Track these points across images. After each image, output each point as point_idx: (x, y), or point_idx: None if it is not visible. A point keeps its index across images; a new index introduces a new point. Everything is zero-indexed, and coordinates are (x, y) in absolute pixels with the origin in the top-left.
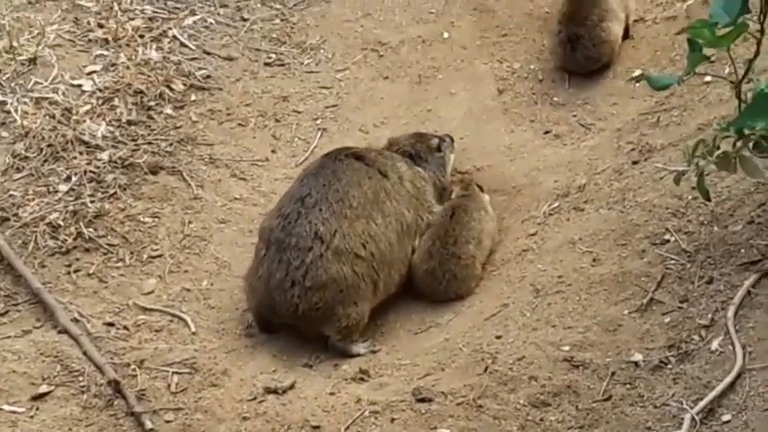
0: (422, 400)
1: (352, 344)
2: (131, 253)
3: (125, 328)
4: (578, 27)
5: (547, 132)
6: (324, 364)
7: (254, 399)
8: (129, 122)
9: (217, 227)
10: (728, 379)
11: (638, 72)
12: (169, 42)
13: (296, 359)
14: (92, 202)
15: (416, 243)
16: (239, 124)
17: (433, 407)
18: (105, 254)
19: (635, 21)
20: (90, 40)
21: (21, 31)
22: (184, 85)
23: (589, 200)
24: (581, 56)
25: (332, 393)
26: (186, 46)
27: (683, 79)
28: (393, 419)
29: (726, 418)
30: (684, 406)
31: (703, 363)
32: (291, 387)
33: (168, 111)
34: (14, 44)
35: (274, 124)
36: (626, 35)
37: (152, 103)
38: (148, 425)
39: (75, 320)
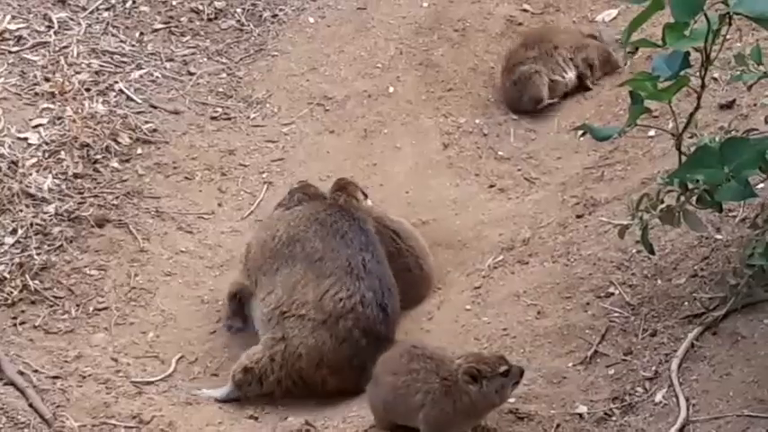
0: None
1: None
2: (77, 305)
3: (71, 380)
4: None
5: (492, 186)
6: (269, 415)
7: None
8: (76, 175)
9: (163, 279)
10: (672, 431)
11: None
12: (115, 96)
13: (241, 411)
14: (38, 254)
15: None
16: (185, 177)
17: None
18: (51, 306)
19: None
20: (36, 94)
21: None
22: (131, 138)
23: (534, 253)
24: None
25: None
26: (132, 99)
27: (625, 131)
28: None
29: None
30: None
31: (647, 415)
32: None
33: (114, 164)
34: None
35: (220, 178)
36: (583, 86)
37: (98, 157)
38: None
39: (21, 372)
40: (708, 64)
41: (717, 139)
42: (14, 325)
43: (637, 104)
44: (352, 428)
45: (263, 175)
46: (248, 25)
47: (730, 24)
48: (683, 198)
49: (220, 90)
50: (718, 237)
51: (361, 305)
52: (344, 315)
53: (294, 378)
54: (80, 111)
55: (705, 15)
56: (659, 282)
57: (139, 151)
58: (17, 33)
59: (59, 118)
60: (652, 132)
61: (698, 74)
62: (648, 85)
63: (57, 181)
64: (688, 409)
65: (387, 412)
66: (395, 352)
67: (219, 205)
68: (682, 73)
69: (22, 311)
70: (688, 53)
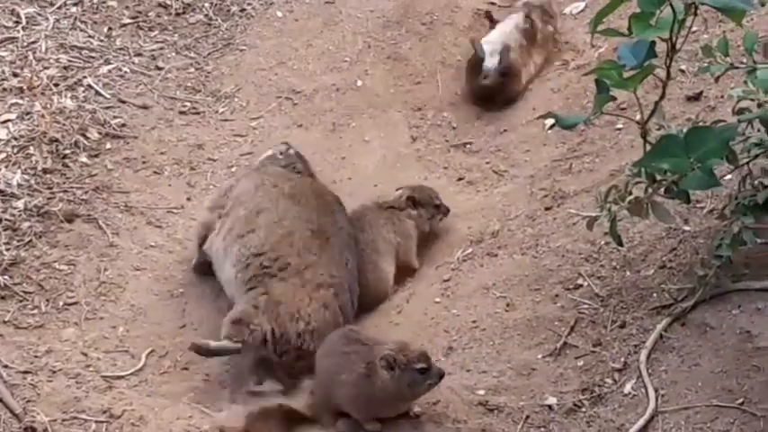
0: None
1: None
2: (47, 300)
3: (41, 374)
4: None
5: (460, 179)
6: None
7: None
8: (45, 171)
9: (132, 274)
10: (642, 422)
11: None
12: (84, 91)
13: (212, 406)
14: (7, 249)
15: None
16: (154, 172)
17: None
18: (21, 301)
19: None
20: (5, 89)
21: None
22: (99, 133)
23: (502, 245)
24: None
25: None
26: (101, 94)
27: (591, 119)
28: None
29: None
30: None
31: (617, 406)
32: None
33: (83, 159)
34: None
35: (189, 172)
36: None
37: (67, 152)
38: None
39: None
40: (673, 53)
41: (684, 130)
42: None
43: (602, 93)
44: None
45: (232, 170)
46: (216, 20)
47: (696, 14)
48: (650, 189)
49: (189, 84)
50: (686, 228)
51: (340, 287)
52: (325, 286)
53: (274, 326)
54: (49, 106)
55: (671, 5)
56: (628, 273)
57: (108, 146)
58: None
59: (28, 113)
60: (620, 124)
61: (664, 64)
62: (614, 73)
63: (26, 176)
64: (657, 400)
65: (324, 397)
66: (333, 336)
67: (188, 199)
68: (647, 62)
69: None
70: (654, 43)
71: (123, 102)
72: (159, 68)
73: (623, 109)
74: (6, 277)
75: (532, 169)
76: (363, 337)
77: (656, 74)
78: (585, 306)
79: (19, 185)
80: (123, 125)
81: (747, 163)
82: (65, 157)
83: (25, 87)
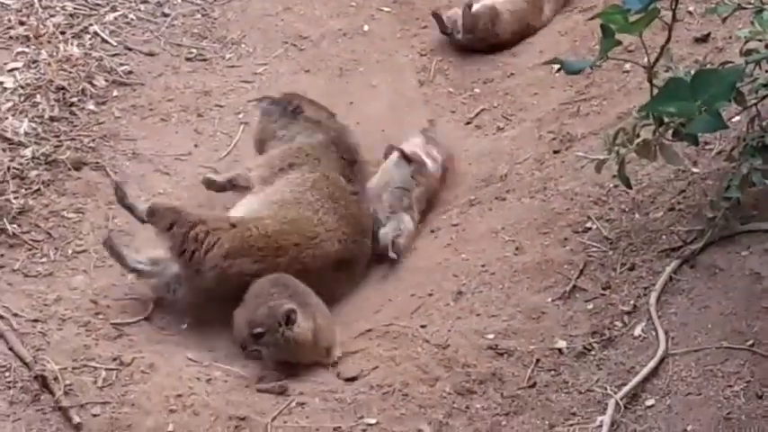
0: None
1: None
2: (56, 248)
3: (50, 323)
4: None
5: (468, 123)
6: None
7: (181, 392)
8: (52, 119)
9: None
10: (652, 364)
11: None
12: (90, 38)
13: (221, 352)
14: (15, 198)
15: None
16: (162, 119)
17: (360, 396)
18: (30, 250)
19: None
20: (11, 38)
21: None
22: (106, 80)
23: (511, 189)
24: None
25: None
26: (108, 42)
27: (597, 64)
28: (320, 409)
29: (649, 402)
30: (608, 391)
31: (626, 348)
32: (217, 379)
33: (91, 107)
34: None
35: (196, 119)
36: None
37: (74, 100)
38: (76, 419)
39: (1, 317)
40: None
41: (691, 72)
42: None
43: (608, 38)
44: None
45: (239, 116)
46: None
47: None
48: (658, 132)
49: (195, 31)
50: (695, 170)
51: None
52: None
53: None
54: (55, 54)
55: None
56: (637, 216)
57: (115, 93)
58: None
59: (35, 61)
60: (628, 66)
61: (670, 6)
62: (620, 17)
63: (33, 124)
64: (667, 342)
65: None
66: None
67: (196, 146)
68: (652, 5)
69: (1, 255)
70: None
71: (130, 49)
72: (165, 15)
73: (631, 52)
74: (15, 226)
75: (540, 112)
76: (292, 283)
77: (661, 17)
78: (594, 249)
79: (26, 134)
80: (130, 72)
81: (755, 104)
82: (72, 105)
83: (32, 35)
